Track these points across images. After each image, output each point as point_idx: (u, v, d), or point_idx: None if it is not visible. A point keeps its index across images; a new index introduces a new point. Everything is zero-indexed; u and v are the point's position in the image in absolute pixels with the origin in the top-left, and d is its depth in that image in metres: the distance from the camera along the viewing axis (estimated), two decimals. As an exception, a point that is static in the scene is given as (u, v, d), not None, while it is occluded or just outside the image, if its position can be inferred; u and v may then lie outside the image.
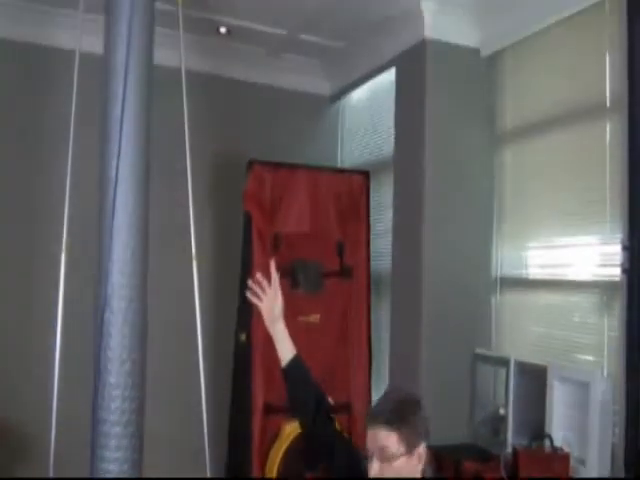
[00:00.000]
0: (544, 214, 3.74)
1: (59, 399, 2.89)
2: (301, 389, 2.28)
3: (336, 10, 4.25)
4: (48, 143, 4.37)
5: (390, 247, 4.46)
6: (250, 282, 2.33)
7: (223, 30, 4.66)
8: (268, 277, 2.36)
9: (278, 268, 2.39)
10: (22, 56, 4.41)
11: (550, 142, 3.73)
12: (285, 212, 4.36)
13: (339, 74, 5.25)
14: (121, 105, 3.06)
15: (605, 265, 3.24)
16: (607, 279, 3.21)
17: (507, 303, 4.02)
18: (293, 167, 4.45)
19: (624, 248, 2.90)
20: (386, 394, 2.16)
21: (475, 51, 4.18)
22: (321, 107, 5.41)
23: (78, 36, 3.13)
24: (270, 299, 2.32)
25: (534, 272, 3.85)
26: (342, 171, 4.86)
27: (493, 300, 4.10)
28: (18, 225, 4.39)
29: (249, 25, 4.57)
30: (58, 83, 4.24)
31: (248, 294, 2.33)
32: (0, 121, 4.39)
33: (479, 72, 4.20)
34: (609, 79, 3.29)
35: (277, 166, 4.39)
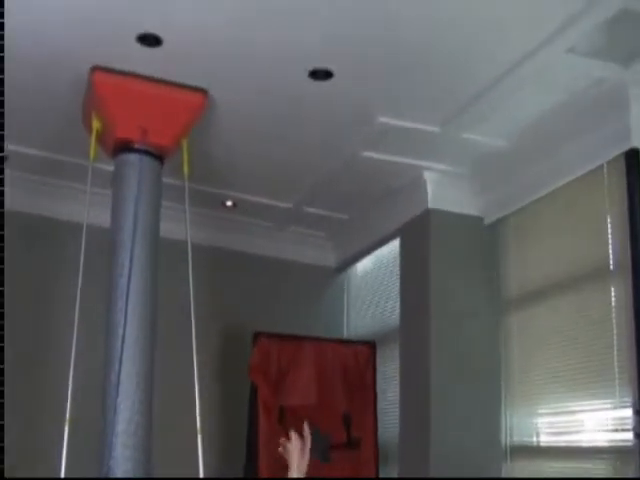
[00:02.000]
0: (552, 379, 3.71)
1: None
2: None
3: (340, 184, 4.49)
4: (55, 313, 4.48)
5: (398, 417, 4.40)
6: (282, 440, 2.37)
7: (229, 203, 4.90)
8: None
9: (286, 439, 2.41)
10: (32, 228, 4.64)
11: (555, 307, 3.75)
12: (291, 383, 4.40)
13: (344, 245, 5.42)
14: (127, 276, 3.21)
15: (616, 430, 3.19)
16: (619, 444, 3.15)
17: (518, 472, 3.90)
18: (299, 338, 4.54)
19: (636, 412, 2.85)
20: None
21: (478, 219, 4.31)
22: (326, 278, 5.54)
23: (86, 209, 3.33)
24: (299, 457, 2.36)
25: (545, 440, 3.77)
26: (348, 342, 4.92)
27: (503, 469, 3.97)
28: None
29: (254, 199, 4.80)
30: (65, 254, 4.40)
31: (281, 450, 2.38)
32: (10, 289, 4.51)
33: (482, 239, 4.31)
34: (611, 242, 3.35)
35: (283, 338, 4.49)
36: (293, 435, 2.37)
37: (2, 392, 2.56)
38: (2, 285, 2.63)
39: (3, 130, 2.91)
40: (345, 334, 5.45)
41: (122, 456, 3.04)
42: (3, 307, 2.63)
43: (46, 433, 4.05)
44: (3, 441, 2.52)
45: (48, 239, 4.69)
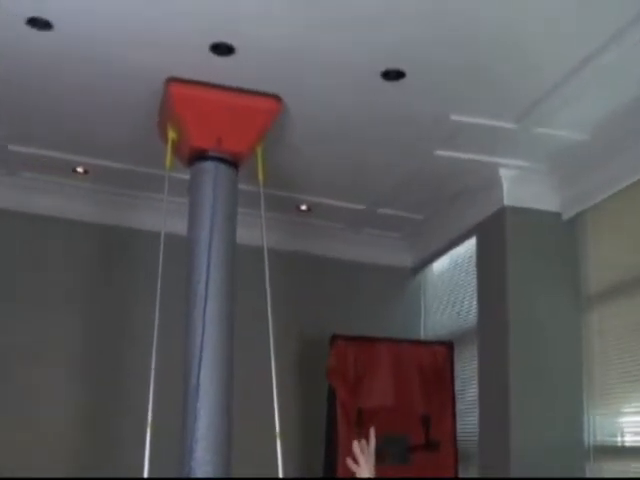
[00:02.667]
0: (636, 377, 3.62)
1: None
2: None
3: (414, 184, 4.47)
4: (135, 320, 4.65)
5: (477, 418, 4.38)
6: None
7: (304, 207, 4.95)
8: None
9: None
10: (111, 238, 4.83)
11: (637, 303, 3.66)
12: (369, 386, 4.41)
13: (419, 246, 5.41)
14: (205, 283, 3.28)
15: None
16: None
17: (602, 472, 3.80)
18: (376, 340, 4.56)
19: None
20: None
21: (556, 215, 4.23)
22: (403, 279, 5.53)
23: (163, 218, 3.43)
24: (367, 466, 2.38)
25: (630, 440, 3.67)
26: (425, 342, 4.92)
27: (587, 470, 3.88)
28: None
29: (328, 202, 4.84)
30: (143, 263, 4.54)
31: (348, 460, 2.40)
32: (86, 302, 4.74)
33: (561, 235, 4.23)
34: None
35: (360, 340, 4.51)
36: (355, 445, 2.39)
37: None
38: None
39: None
40: (422, 335, 5.43)
41: (202, 460, 3.10)
42: None
43: (127, 436, 4.22)
44: None
45: (127, 249, 4.85)
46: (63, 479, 4.05)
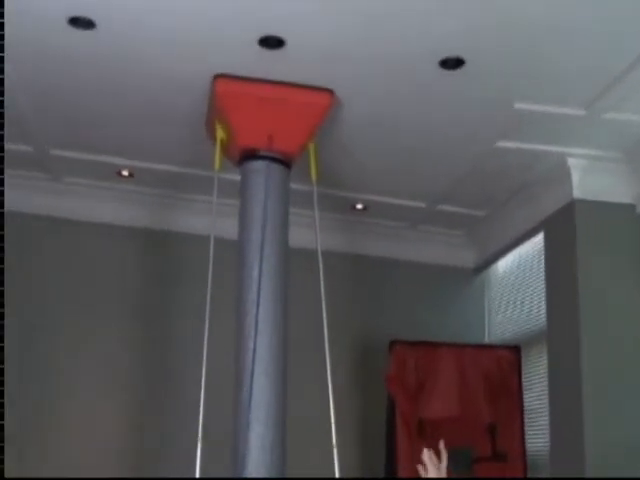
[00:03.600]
0: None
1: None
2: None
3: (475, 178, 4.40)
4: (182, 328, 4.69)
5: (546, 425, 4.30)
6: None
7: (359, 206, 4.92)
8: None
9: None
10: (158, 242, 4.88)
11: None
12: (430, 394, 4.38)
13: (482, 244, 5.33)
14: (257, 288, 3.26)
15: None
16: None
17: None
18: (437, 345, 4.53)
19: None
20: None
21: (629, 207, 4.11)
22: (465, 279, 5.46)
23: (212, 220, 3.41)
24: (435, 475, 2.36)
25: None
26: (490, 347, 4.86)
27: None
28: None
29: (385, 200, 4.79)
30: (192, 267, 4.59)
31: (419, 466, 2.40)
32: (134, 309, 4.80)
33: (636, 230, 4.10)
34: None
35: (420, 345, 4.49)
36: (425, 452, 2.36)
37: (2, 392, 2.60)
38: (2, 285, 2.65)
39: (3, 130, 3.01)
40: (486, 338, 5.35)
41: (257, 472, 3.09)
42: (3, 307, 2.66)
43: (179, 447, 4.21)
44: (3, 441, 2.57)
45: (174, 253, 4.90)
46: (70, 479, 4.16)
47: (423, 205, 4.84)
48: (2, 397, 2.57)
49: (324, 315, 3.43)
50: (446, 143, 4.01)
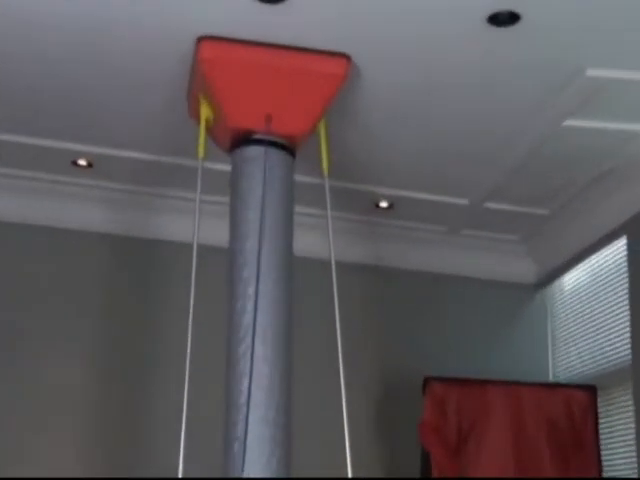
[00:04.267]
0: None
1: None
2: None
3: (534, 167, 4.43)
4: (158, 366, 4.80)
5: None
6: None
7: (384, 204, 4.96)
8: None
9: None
10: (120, 251, 4.97)
11: None
12: (477, 446, 4.42)
13: (545, 251, 5.37)
14: (253, 310, 3.29)
15: None
16: None
17: None
18: (485, 383, 4.57)
19: None
20: None
21: None
22: (522, 298, 5.50)
23: (194, 223, 3.43)
24: None
25: None
26: (556, 386, 4.89)
27: None
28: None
29: (417, 195, 4.83)
30: (163, 284, 4.73)
31: None
32: (95, 338, 4.88)
33: None
34: None
35: (463, 383, 4.54)
36: None
37: None
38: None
39: None
40: (550, 375, 5.39)
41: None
42: None
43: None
44: None
45: (145, 267, 4.98)
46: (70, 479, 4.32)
47: (466, 202, 4.88)
48: None
49: (339, 345, 3.45)
50: (496, 124, 4.04)
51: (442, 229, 5.25)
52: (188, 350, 3.25)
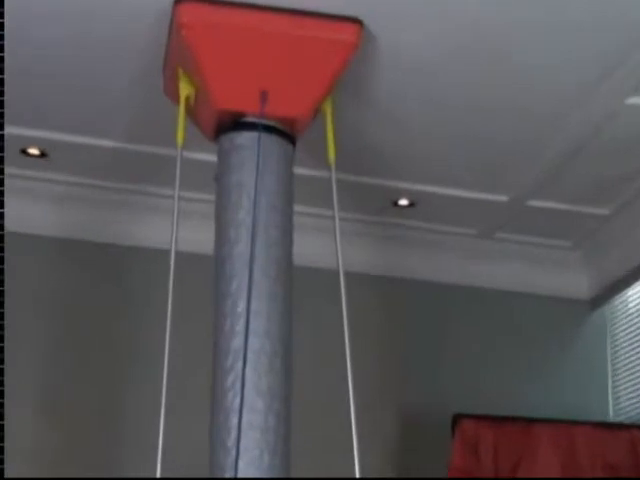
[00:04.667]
0: None
1: None
2: None
3: (590, 156, 4.45)
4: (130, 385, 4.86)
5: None
6: None
7: (403, 202, 4.99)
8: None
9: None
10: (83, 258, 5.01)
11: None
12: (521, 496, 4.43)
13: (604, 261, 5.40)
14: (244, 331, 3.31)
15: None
16: None
17: None
18: (529, 422, 4.61)
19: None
20: None
21: None
22: (575, 317, 5.53)
23: (173, 225, 3.45)
24: None
25: None
26: (617, 426, 4.91)
27: None
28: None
29: (443, 191, 4.87)
30: (135, 299, 4.79)
31: None
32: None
33: None
34: None
35: (501, 422, 4.58)
36: None
37: (2, 392, 3.24)
38: (2, 285, 3.24)
39: (3, 130, 3.34)
40: (611, 413, 5.40)
41: None
42: (3, 306, 3.29)
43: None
44: (3, 441, 3.21)
45: (114, 277, 5.03)
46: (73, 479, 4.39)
47: (505, 199, 4.91)
48: (2, 397, 3.21)
49: (349, 374, 3.45)
50: (543, 102, 4.05)
51: (474, 232, 5.31)
52: (163, 392, 3.29)
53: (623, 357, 5.44)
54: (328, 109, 3.65)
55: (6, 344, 3.52)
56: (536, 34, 3.60)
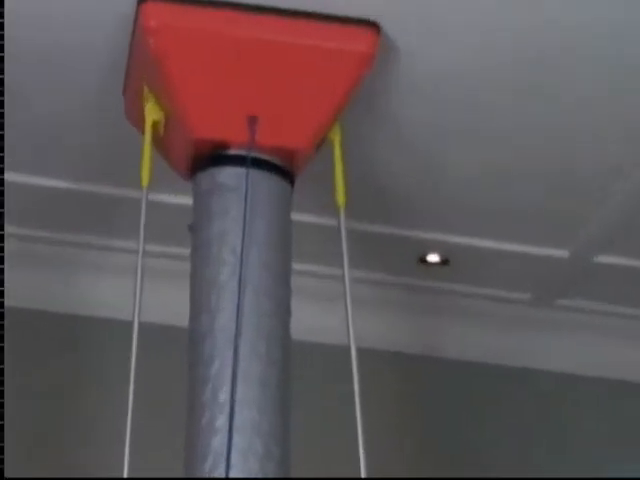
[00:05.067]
0: None
1: None
2: None
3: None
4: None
5: None
6: None
7: (433, 258, 5.00)
8: None
9: None
10: (26, 329, 4.98)
11: None
12: None
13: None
14: (227, 425, 3.25)
15: None
16: None
17: None
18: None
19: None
20: None
21: None
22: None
23: (136, 288, 3.44)
24: None
25: None
26: None
27: None
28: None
29: (486, 244, 4.88)
30: (89, 382, 4.76)
31: None
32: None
33: None
34: None
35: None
36: None
37: (2, 392, 3.44)
38: (2, 285, 3.44)
39: (3, 130, 3.43)
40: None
41: None
42: (3, 307, 3.47)
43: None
44: (3, 441, 3.37)
45: (63, 352, 5.04)
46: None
47: (565, 255, 4.91)
48: (2, 397, 3.42)
49: (362, 467, 3.40)
50: (601, 129, 4.07)
51: (526, 297, 5.31)
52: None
53: None
54: (336, 138, 3.65)
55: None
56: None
